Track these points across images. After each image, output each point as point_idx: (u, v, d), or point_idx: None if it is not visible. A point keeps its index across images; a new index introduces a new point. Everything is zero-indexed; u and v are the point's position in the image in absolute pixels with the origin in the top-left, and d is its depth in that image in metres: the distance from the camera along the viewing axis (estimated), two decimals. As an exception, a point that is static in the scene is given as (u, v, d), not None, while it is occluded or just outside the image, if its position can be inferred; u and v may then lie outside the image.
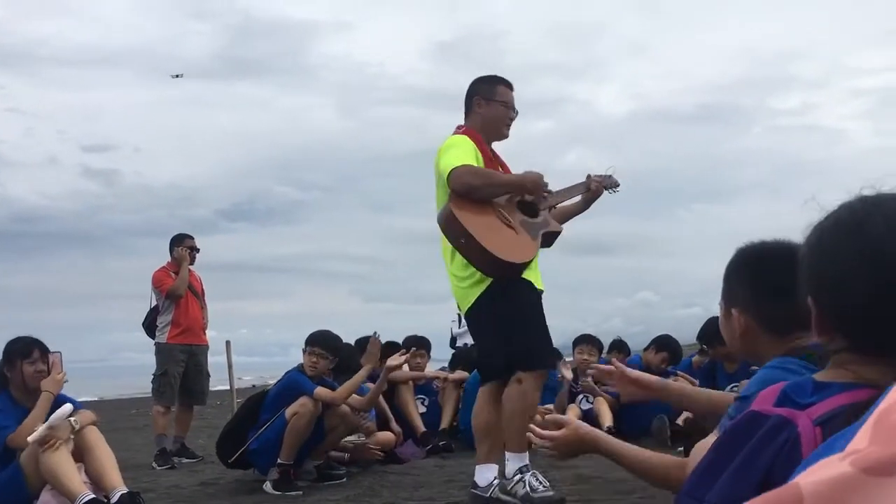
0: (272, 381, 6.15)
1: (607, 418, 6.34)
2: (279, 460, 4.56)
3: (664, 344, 6.94)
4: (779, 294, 1.74)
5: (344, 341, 6.28)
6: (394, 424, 5.96)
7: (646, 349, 7.11)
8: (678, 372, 7.30)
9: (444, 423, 6.48)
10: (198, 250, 6.76)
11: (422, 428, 6.27)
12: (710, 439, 1.26)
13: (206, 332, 6.83)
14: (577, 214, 4.14)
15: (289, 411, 4.57)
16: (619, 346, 7.69)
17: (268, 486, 4.56)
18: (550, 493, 3.59)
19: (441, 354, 7.51)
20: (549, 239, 3.84)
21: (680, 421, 5.96)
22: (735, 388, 6.13)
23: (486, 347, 3.89)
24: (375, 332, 5.19)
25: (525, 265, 3.65)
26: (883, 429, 0.50)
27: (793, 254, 1.76)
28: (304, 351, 4.89)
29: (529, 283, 3.73)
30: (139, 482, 4.76)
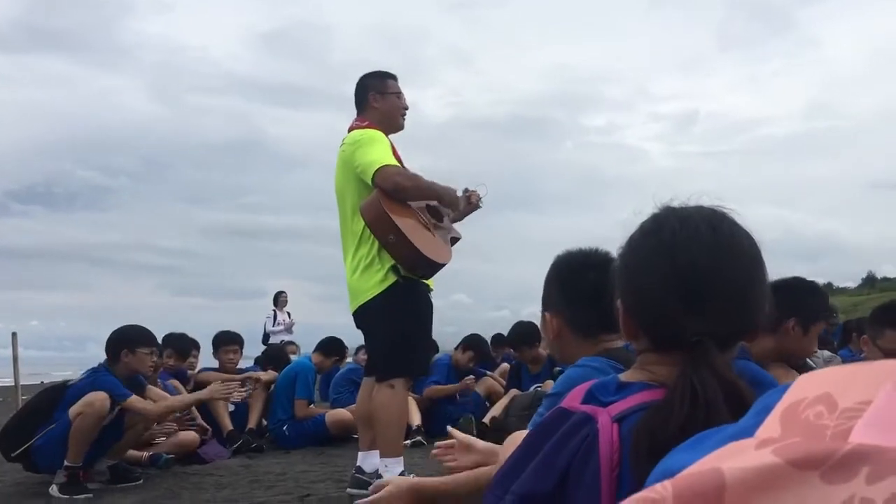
0: (63, 377, 5.71)
1: (416, 417, 6.46)
2: (66, 462, 4.24)
3: (471, 344, 7.22)
4: (584, 299, 1.87)
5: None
6: (200, 421, 5.75)
7: (456, 348, 7.35)
8: (487, 372, 7.59)
9: (252, 423, 6.33)
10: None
11: (229, 426, 6.08)
12: (520, 434, 1.31)
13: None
14: (454, 222, 4.24)
15: (73, 410, 4.23)
16: (430, 347, 7.88)
17: (54, 490, 4.23)
18: None
19: (254, 351, 7.31)
20: (451, 243, 3.93)
21: (486, 420, 6.18)
22: (539, 388, 6.45)
23: (373, 346, 3.94)
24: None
25: (443, 266, 3.72)
26: (796, 423, 0.51)
27: (602, 262, 1.89)
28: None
29: (427, 288, 3.81)
30: None
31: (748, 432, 0.54)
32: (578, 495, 0.94)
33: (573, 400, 1.08)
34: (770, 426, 0.52)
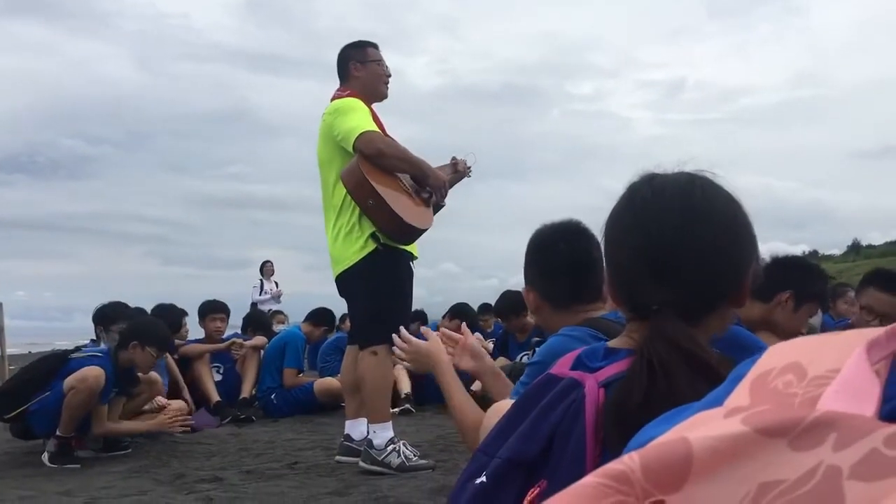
0: (50, 347, 5.70)
1: (405, 385, 6.50)
2: (57, 432, 4.26)
3: (458, 312, 7.28)
4: (557, 272, 1.89)
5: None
6: (186, 394, 5.76)
7: (443, 317, 7.40)
8: (479, 338, 7.62)
9: (245, 392, 6.33)
10: (-35, 201, 6.11)
11: (216, 397, 6.09)
12: (503, 404, 1.32)
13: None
14: None
15: (67, 384, 4.22)
16: (419, 316, 7.92)
17: (45, 458, 4.25)
18: (424, 461, 3.78)
19: (241, 321, 7.30)
20: (434, 210, 3.91)
21: (474, 388, 6.22)
22: (525, 356, 6.49)
23: (355, 313, 3.98)
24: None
25: (423, 232, 3.71)
26: (766, 392, 0.51)
27: (572, 234, 1.90)
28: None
29: (409, 255, 3.82)
30: None
31: (720, 400, 0.54)
32: (564, 459, 0.95)
33: (562, 366, 1.09)
34: (739, 395, 0.52)
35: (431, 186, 3.82)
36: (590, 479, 0.45)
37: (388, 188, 3.60)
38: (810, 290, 2.80)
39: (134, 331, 4.54)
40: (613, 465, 0.45)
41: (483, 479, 0.99)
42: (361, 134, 3.60)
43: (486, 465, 1.01)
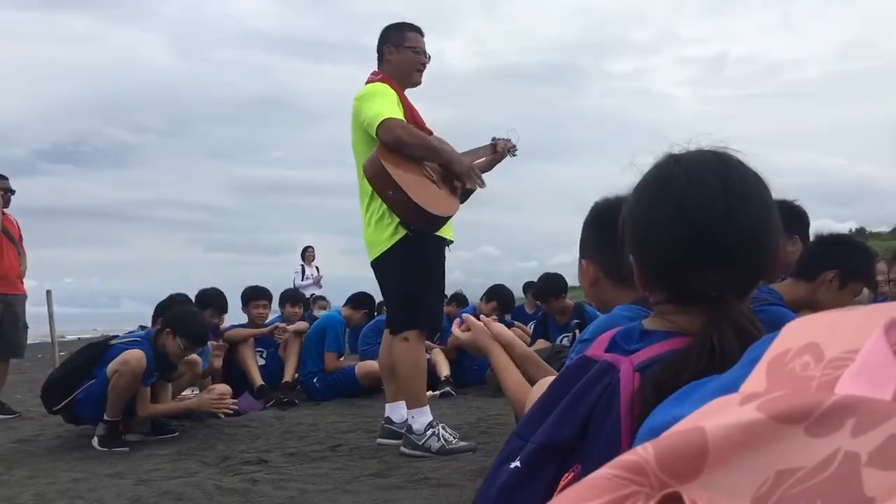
0: (100, 333, 5.82)
1: (444, 368, 6.53)
2: (105, 416, 4.37)
3: (494, 293, 7.26)
4: (621, 246, 1.84)
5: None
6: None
7: (480, 299, 7.40)
8: (515, 322, 7.63)
9: (287, 376, 6.41)
10: (12, 192, 6.24)
11: (260, 381, 6.19)
12: (548, 380, 1.31)
13: (24, 280, 6.34)
14: (482, 174, 4.20)
15: (110, 368, 4.33)
16: (458, 299, 7.94)
17: (95, 442, 4.37)
18: (464, 443, 3.79)
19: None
20: (465, 195, 3.88)
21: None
22: (565, 338, 6.47)
23: (388, 298, 3.98)
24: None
25: (447, 219, 3.69)
26: (782, 375, 0.50)
27: None
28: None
29: (442, 240, 3.81)
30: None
31: (736, 384, 0.53)
32: (598, 444, 0.94)
33: (597, 348, 1.08)
34: (755, 380, 0.52)
35: (456, 173, 3.74)
36: (604, 470, 0.45)
37: (408, 176, 3.56)
38: (856, 269, 2.73)
39: (172, 318, 4.63)
40: (627, 457, 0.45)
41: (517, 463, 0.99)
42: (383, 121, 3.57)
43: (520, 448, 1.01)
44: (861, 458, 0.39)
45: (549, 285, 6.66)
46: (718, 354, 0.95)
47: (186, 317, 4.71)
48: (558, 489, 0.94)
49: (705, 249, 1.03)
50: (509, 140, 4.25)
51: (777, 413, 0.43)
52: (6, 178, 6.22)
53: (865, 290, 2.85)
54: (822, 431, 0.41)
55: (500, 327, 2.03)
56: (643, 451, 0.44)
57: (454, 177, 3.76)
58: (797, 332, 0.52)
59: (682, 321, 1.06)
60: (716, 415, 0.46)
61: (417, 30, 3.99)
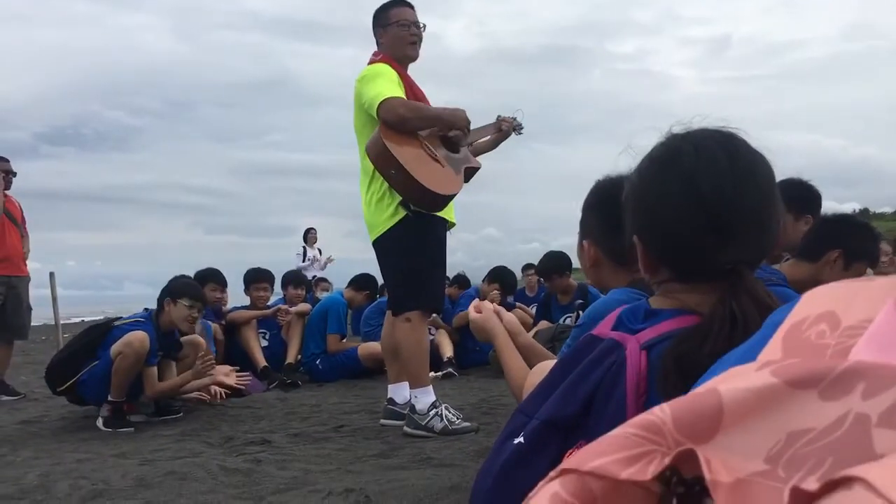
0: (103, 315, 5.84)
1: (448, 349, 6.55)
2: (109, 397, 4.40)
3: (496, 275, 7.26)
4: (622, 227, 1.84)
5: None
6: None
7: (483, 280, 7.40)
8: (518, 304, 7.63)
9: (290, 358, 6.43)
10: (14, 174, 6.24)
11: (263, 363, 6.22)
12: (547, 364, 1.31)
13: (27, 262, 6.35)
14: (486, 153, 4.20)
15: (113, 350, 4.36)
16: (460, 281, 7.94)
17: (99, 423, 4.40)
18: (467, 423, 3.81)
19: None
20: (468, 174, 3.86)
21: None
22: (568, 319, 6.48)
23: (388, 279, 3.99)
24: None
25: (451, 198, 3.68)
26: (798, 343, 0.51)
27: None
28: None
29: (443, 222, 3.80)
30: (-49, 423, 4.42)
31: (754, 349, 0.55)
32: (603, 421, 0.94)
33: (604, 327, 1.08)
34: (772, 348, 0.53)
35: (458, 128, 3.78)
36: (622, 429, 0.46)
37: (411, 156, 3.55)
38: (860, 249, 2.72)
39: (164, 291, 4.71)
40: (645, 416, 0.46)
41: (521, 439, 0.99)
42: (383, 101, 3.56)
43: (524, 424, 1.01)
44: (871, 419, 0.40)
45: (554, 262, 6.66)
46: (741, 323, 0.95)
47: (179, 281, 4.83)
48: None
49: (717, 223, 1.04)
50: (515, 119, 4.24)
51: (791, 378, 0.44)
52: (7, 161, 6.22)
53: (869, 271, 2.85)
54: (834, 395, 0.42)
55: (510, 316, 2.05)
56: (660, 412, 0.45)
57: (461, 144, 3.80)
58: (815, 301, 0.54)
59: (689, 299, 1.06)
60: (732, 379, 0.47)
61: (401, 3, 3.94)
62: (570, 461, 0.47)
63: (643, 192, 1.12)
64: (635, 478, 0.43)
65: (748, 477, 0.41)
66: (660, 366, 0.96)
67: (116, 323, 4.65)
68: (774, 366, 0.45)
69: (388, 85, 3.66)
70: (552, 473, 0.48)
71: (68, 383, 4.49)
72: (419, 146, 3.64)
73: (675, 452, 0.43)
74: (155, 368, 4.59)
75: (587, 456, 0.46)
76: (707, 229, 1.04)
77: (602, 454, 0.45)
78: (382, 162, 3.54)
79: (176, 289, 4.70)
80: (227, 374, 5.09)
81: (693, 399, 0.46)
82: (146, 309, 4.94)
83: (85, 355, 4.53)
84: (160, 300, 4.69)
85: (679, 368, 0.92)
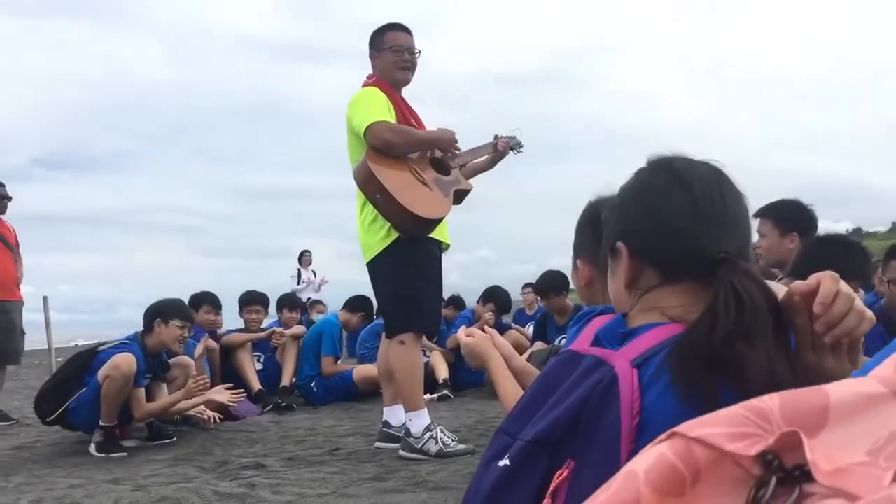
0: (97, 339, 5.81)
1: (443, 371, 6.53)
2: (100, 422, 4.36)
3: (490, 295, 7.25)
4: None
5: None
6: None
7: (477, 301, 7.39)
8: (512, 325, 7.62)
9: (285, 381, 6.40)
10: (9, 198, 6.24)
11: (257, 386, 6.18)
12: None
13: (21, 286, 6.33)
14: (482, 172, 4.19)
15: (101, 374, 4.33)
16: (455, 302, 7.93)
17: (92, 448, 4.36)
18: (462, 446, 3.79)
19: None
20: (459, 196, 3.85)
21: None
22: (563, 339, 6.46)
23: (383, 301, 3.98)
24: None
25: (438, 221, 3.68)
26: None
27: None
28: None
29: (436, 243, 3.81)
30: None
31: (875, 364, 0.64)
32: (595, 441, 0.93)
33: (583, 343, 1.08)
34: (885, 366, 0.58)
35: (444, 150, 3.79)
36: (736, 408, 0.50)
37: (397, 180, 3.55)
38: (851, 269, 2.73)
39: (153, 311, 4.66)
40: (755, 402, 0.50)
41: (506, 461, 0.98)
42: (369, 127, 3.58)
43: (508, 445, 1.00)
44: None
45: (551, 281, 6.67)
46: (748, 303, 0.95)
47: (165, 302, 4.75)
48: (551, 487, 0.93)
49: (706, 214, 1.08)
50: (513, 138, 4.25)
51: None
52: (2, 185, 6.22)
53: (861, 291, 2.85)
54: None
55: (502, 340, 2.04)
56: (769, 401, 0.49)
57: (452, 165, 3.80)
58: None
59: (673, 305, 1.06)
60: (841, 385, 0.51)
61: (397, 28, 3.96)
62: (680, 427, 0.50)
63: (632, 196, 1.16)
64: (740, 452, 0.47)
65: (849, 466, 0.45)
66: (672, 361, 0.94)
67: (102, 348, 4.62)
68: (883, 377, 0.50)
69: (376, 109, 3.68)
70: (661, 436, 0.50)
71: (57, 413, 4.46)
72: (407, 169, 3.64)
73: (780, 433, 0.47)
74: (143, 390, 4.55)
75: (697, 424, 0.49)
76: (698, 219, 1.07)
77: (713, 425, 0.49)
78: (368, 186, 3.55)
79: (166, 310, 4.66)
80: (220, 392, 5.03)
81: (801, 393, 0.49)
82: (136, 333, 4.93)
83: (72, 383, 4.50)
84: (149, 321, 4.65)
85: (699, 358, 0.92)
